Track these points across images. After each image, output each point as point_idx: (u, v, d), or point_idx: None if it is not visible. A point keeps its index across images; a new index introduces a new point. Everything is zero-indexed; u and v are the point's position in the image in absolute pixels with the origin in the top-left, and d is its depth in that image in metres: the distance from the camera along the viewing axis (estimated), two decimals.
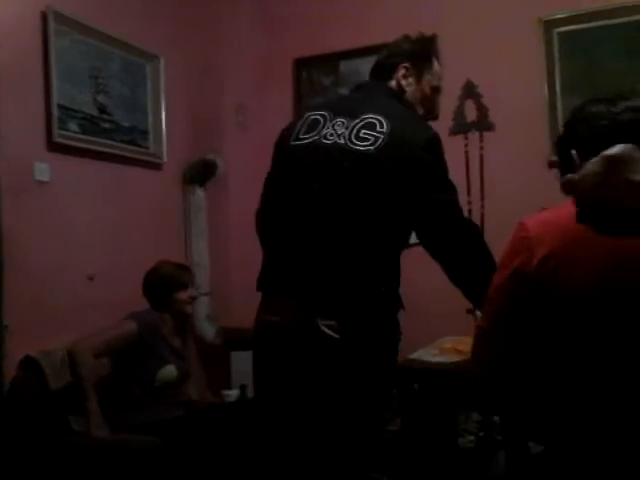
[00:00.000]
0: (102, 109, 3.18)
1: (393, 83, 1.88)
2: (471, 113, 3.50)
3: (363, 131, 1.68)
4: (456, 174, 1.83)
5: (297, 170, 1.76)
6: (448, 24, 3.52)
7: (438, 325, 3.06)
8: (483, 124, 3.46)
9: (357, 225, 1.65)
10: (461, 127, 3.50)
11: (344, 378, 1.64)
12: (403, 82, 1.87)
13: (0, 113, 2.68)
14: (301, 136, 1.79)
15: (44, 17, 2.89)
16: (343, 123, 1.72)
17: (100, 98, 3.18)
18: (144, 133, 3.45)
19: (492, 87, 3.44)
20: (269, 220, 1.83)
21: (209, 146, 3.73)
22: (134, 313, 2.73)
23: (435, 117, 1.99)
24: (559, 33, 3.34)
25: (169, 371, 2.73)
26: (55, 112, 2.89)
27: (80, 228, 3.04)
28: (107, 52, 3.23)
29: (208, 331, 3.50)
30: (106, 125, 3.20)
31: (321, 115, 1.79)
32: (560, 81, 3.32)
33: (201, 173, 3.64)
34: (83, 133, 3.06)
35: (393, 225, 1.69)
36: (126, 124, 3.33)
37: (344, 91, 3.93)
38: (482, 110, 3.46)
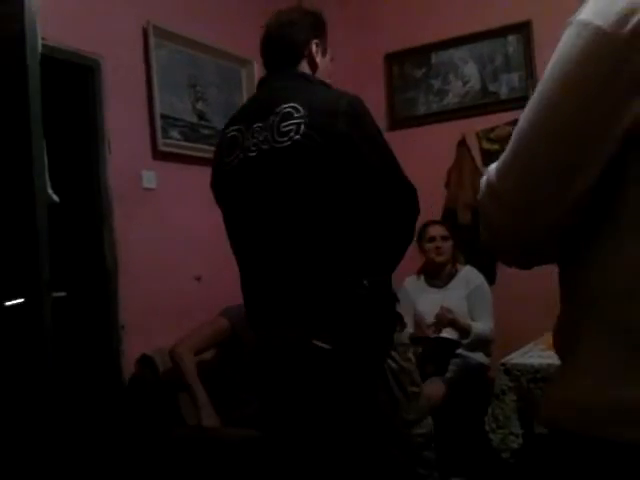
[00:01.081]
0: (201, 116, 3.31)
1: (304, 63, 1.72)
2: None
3: (282, 124, 1.54)
4: None
5: (239, 195, 1.65)
6: (542, 10, 3.39)
7: (547, 317, 2.96)
8: None
9: (313, 222, 1.52)
10: None
11: (343, 388, 1.51)
12: (318, 59, 1.73)
13: (109, 126, 2.84)
14: (226, 159, 1.66)
15: (145, 32, 3.04)
16: (261, 128, 1.58)
17: (199, 105, 3.30)
18: None
19: None
20: (239, 258, 1.73)
21: None
22: (228, 308, 2.80)
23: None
24: None
25: None
26: (159, 122, 3.03)
27: (185, 231, 3.17)
28: (203, 60, 3.35)
29: None
30: (205, 131, 3.32)
31: (237, 130, 1.66)
32: None
33: None
34: (185, 140, 3.20)
35: (351, 208, 1.52)
36: None
37: (432, 80, 3.88)
38: None
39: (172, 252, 3.09)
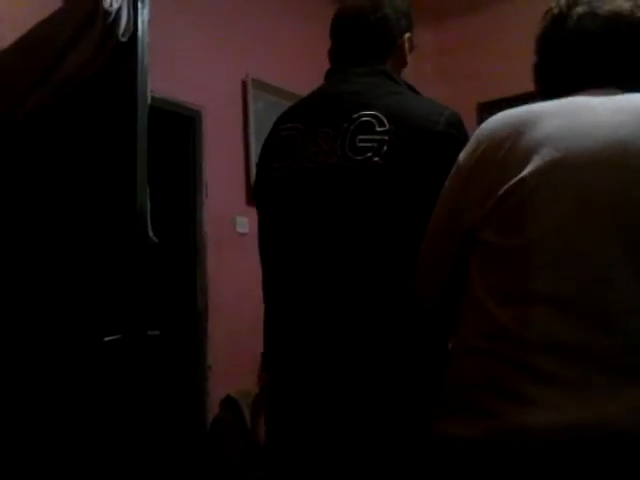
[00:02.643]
0: None
1: (391, 59, 1.34)
2: None
3: (359, 137, 1.18)
4: None
5: (284, 215, 1.29)
6: None
7: None
8: None
9: (371, 268, 1.18)
10: None
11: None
12: (408, 57, 1.37)
13: (207, 172, 2.98)
14: (275, 164, 1.29)
15: (244, 84, 3.19)
16: (328, 135, 1.22)
17: None
18: None
19: None
20: (267, 286, 1.43)
21: None
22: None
23: None
24: None
25: None
26: (254, 169, 3.14)
27: None
28: None
29: None
30: None
31: (295, 129, 1.28)
32: None
33: None
34: None
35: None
36: None
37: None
38: None
39: (260, 296, 3.15)
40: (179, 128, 2.98)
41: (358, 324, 1.19)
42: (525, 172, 0.94)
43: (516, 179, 0.95)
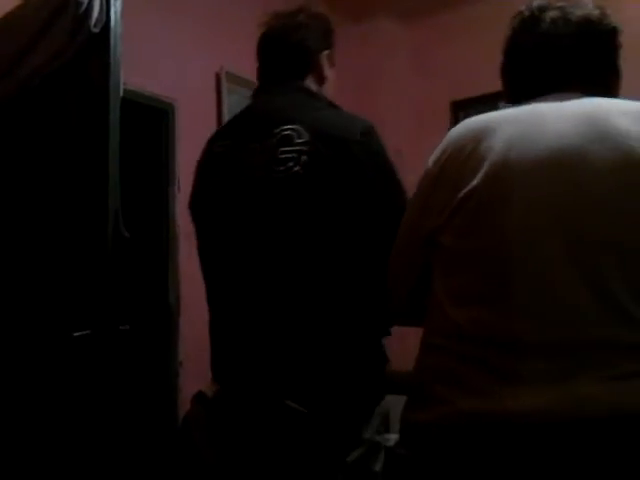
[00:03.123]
0: None
1: (311, 76, 1.43)
2: None
3: (281, 150, 1.27)
4: None
5: (220, 226, 1.38)
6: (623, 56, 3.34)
7: None
8: None
9: (302, 267, 1.26)
10: None
11: (314, 458, 1.24)
12: (326, 72, 1.45)
13: (180, 166, 2.95)
14: (209, 180, 1.41)
15: (218, 78, 3.17)
16: (255, 150, 1.32)
17: None
18: None
19: None
20: (210, 294, 1.48)
21: None
22: None
23: None
24: None
25: None
26: None
27: None
28: None
29: None
30: None
31: (225, 146, 1.39)
32: None
33: None
34: None
35: (347, 258, 1.27)
36: None
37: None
38: None
39: None
40: (152, 121, 2.95)
41: (291, 333, 1.27)
42: (476, 180, 1.00)
43: (470, 186, 1.01)
